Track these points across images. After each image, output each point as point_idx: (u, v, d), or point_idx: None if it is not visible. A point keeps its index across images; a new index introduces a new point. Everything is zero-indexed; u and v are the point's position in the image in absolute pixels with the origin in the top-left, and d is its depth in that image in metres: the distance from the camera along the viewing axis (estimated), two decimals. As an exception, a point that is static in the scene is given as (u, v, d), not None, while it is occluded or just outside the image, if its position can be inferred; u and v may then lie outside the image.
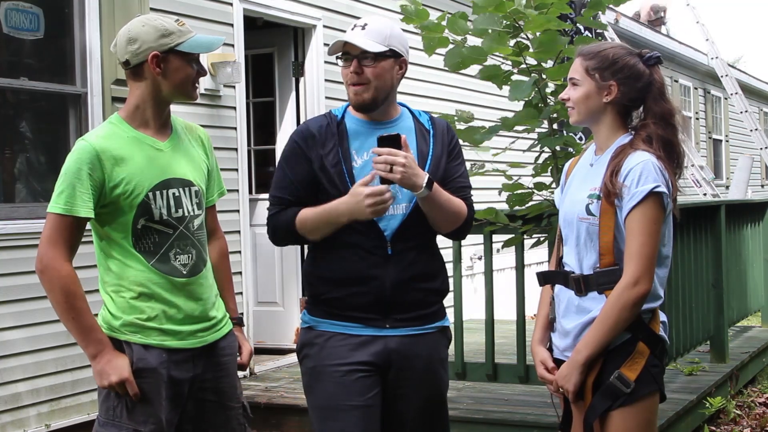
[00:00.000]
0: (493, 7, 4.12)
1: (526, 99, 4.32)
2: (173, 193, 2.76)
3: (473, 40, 4.35)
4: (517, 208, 4.59)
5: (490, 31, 4.18)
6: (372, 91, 2.74)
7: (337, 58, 2.80)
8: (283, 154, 2.89)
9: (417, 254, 2.79)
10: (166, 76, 2.73)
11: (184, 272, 2.77)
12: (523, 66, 4.35)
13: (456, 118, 4.45)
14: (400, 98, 2.93)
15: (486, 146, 4.43)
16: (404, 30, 3.04)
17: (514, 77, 4.38)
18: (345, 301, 2.76)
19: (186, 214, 2.78)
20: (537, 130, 4.55)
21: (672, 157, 2.63)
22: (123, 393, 2.69)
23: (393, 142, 2.63)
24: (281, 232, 2.83)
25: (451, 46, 4.33)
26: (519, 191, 4.49)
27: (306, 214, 2.75)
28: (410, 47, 2.88)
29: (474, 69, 4.45)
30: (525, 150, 4.59)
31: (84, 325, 2.66)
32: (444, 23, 4.28)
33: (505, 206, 4.68)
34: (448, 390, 2.98)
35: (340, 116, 2.84)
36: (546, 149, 4.46)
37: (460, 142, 3.02)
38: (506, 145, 4.69)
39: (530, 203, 4.54)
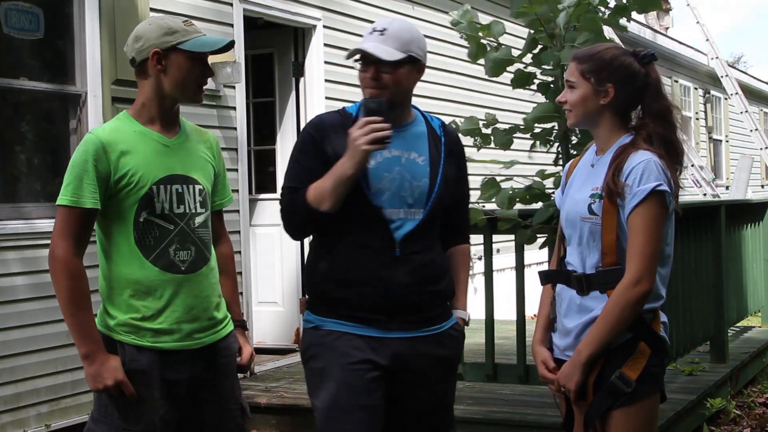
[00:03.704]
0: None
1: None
2: (176, 189, 2.77)
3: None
4: (533, 207, 4.59)
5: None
6: (389, 95, 2.71)
7: (354, 60, 2.76)
8: (295, 146, 2.85)
9: (424, 257, 2.76)
10: (167, 74, 2.76)
11: (183, 268, 2.77)
12: (548, 67, 4.39)
13: (484, 122, 4.48)
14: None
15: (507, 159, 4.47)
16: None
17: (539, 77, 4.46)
18: (351, 301, 2.73)
19: (187, 210, 2.79)
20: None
21: (672, 155, 2.63)
22: (118, 394, 2.69)
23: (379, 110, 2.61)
24: (297, 215, 2.73)
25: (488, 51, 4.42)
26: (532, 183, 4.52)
27: (315, 183, 2.69)
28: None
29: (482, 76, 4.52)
30: (546, 151, 4.62)
31: (81, 323, 2.67)
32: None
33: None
34: (453, 399, 2.93)
35: (355, 114, 2.80)
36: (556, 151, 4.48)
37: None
38: (529, 151, 4.74)
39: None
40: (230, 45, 2.87)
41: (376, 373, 2.71)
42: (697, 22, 14.21)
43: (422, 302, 2.76)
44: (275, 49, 6.98)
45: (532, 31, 4.35)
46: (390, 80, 2.70)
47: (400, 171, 2.75)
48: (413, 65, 2.74)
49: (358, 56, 2.73)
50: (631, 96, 2.65)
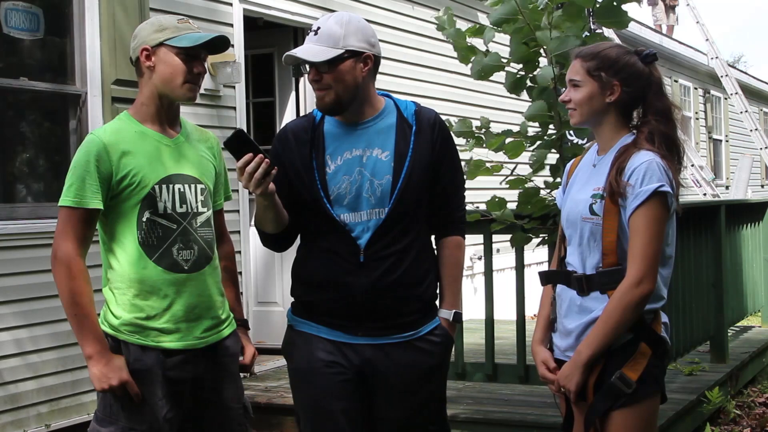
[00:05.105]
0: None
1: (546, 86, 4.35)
2: (179, 188, 2.78)
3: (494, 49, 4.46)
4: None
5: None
6: (334, 95, 2.66)
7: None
8: None
9: (396, 261, 2.69)
10: (155, 70, 2.76)
11: (186, 267, 2.77)
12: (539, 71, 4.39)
13: (479, 125, 4.48)
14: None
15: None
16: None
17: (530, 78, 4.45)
18: (317, 305, 2.75)
19: (189, 210, 2.80)
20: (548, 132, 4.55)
21: (673, 154, 2.64)
22: (123, 394, 2.69)
23: (239, 142, 2.54)
24: (259, 233, 2.82)
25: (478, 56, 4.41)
26: (525, 187, 4.50)
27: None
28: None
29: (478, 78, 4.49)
30: (533, 150, 4.61)
31: (85, 323, 2.67)
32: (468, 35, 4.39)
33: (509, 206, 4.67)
34: (443, 402, 2.88)
35: (318, 118, 2.78)
36: (553, 150, 4.46)
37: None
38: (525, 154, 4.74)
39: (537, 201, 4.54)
40: (220, 40, 2.83)
41: (348, 376, 2.70)
42: (697, 22, 14.23)
43: (390, 308, 2.70)
44: (275, 49, 6.98)
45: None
46: (331, 79, 2.65)
47: (361, 171, 2.70)
48: (356, 58, 2.66)
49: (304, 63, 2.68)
50: (635, 94, 2.66)
